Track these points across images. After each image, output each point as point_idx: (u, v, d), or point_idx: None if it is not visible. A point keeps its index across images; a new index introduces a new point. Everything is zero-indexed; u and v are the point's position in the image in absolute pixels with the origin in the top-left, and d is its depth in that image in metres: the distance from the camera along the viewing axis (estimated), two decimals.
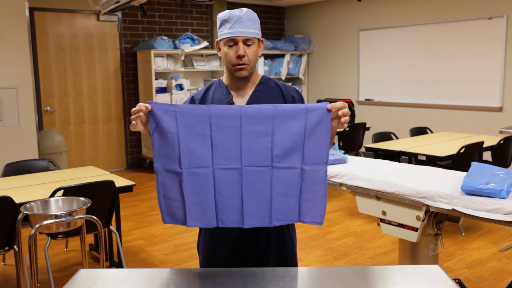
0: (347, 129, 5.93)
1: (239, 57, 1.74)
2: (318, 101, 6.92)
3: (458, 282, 2.82)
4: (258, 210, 1.61)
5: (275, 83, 1.89)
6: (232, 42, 1.75)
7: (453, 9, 6.49)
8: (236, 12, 1.76)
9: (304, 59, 8.39)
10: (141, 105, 1.58)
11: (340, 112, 1.57)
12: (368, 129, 6.32)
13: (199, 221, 1.63)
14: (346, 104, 1.60)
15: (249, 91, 1.84)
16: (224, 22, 1.76)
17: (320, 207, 1.62)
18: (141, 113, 1.57)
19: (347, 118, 1.59)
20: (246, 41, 1.75)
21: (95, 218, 2.43)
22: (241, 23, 1.74)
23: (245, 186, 1.60)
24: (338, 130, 1.66)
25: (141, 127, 1.60)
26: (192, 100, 1.89)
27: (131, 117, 1.59)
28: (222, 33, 1.77)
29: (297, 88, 2.00)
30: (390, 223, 2.78)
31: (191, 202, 1.60)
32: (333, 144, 3.54)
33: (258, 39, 1.81)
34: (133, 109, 1.59)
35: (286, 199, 1.61)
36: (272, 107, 1.59)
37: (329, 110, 1.58)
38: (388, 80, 7.36)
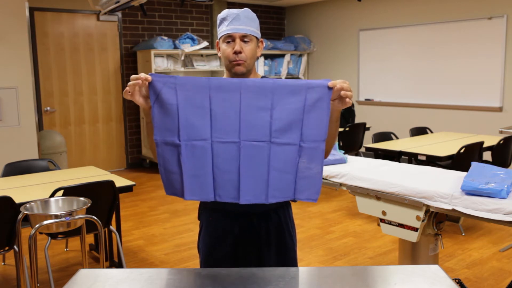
0: (347, 129, 5.94)
1: (236, 53, 1.75)
2: None
3: (458, 282, 2.82)
4: (255, 185, 1.60)
5: None
6: (229, 38, 1.77)
7: (453, 9, 6.49)
8: (234, 10, 1.79)
9: (304, 59, 8.39)
10: (141, 75, 1.56)
11: (342, 93, 1.55)
12: (368, 129, 6.32)
13: (197, 195, 1.62)
14: (348, 82, 1.57)
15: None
16: (222, 20, 1.80)
17: (316, 185, 1.61)
18: (139, 81, 1.54)
19: (349, 93, 1.55)
20: (243, 38, 1.77)
21: (95, 218, 2.43)
22: (239, 20, 1.76)
23: (242, 161, 1.59)
24: (342, 108, 1.62)
25: (139, 98, 1.58)
26: None
27: (128, 83, 1.57)
28: (221, 31, 1.80)
29: None
30: (390, 223, 2.78)
31: (189, 175, 1.60)
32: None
33: (257, 38, 1.82)
34: (133, 76, 1.57)
35: (282, 175, 1.60)
36: (272, 82, 1.58)
37: (330, 88, 1.56)
38: (388, 80, 7.36)
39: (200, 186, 1.61)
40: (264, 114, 1.58)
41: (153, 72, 6.76)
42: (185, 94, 1.57)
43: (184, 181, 1.60)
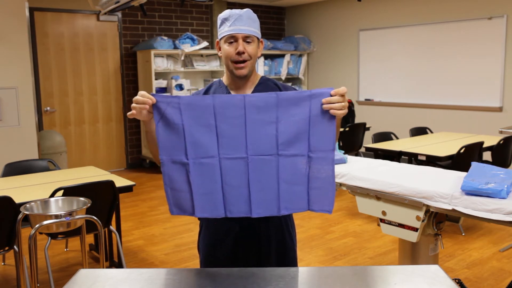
0: (347, 129, 5.94)
1: (239, 53, 1.76)
2: None
3: (458, 282, 2.82)
4: (266, 199, 1.61)
5: (274, 83, 1.90)
6: (232, 39, 1.77)
7: (453, 9, 6.49)
8: (236, 11, 1.79)
9: (304, 59, 8.39)
10: (145, 96, 1.57)
11: (334, 105, 1.54)
12: (368, 129, 6.32)
13: (207, 212, 1.63)
14: (346, 90, 1.56)
15: (249, 91, 1.86)
16: (224, 20, 1.79)
17: (328, 195, 1.61)
18: (146, 106, 1.57)
19: (337, 105, 1.54)
20: (246, 38, 1.78)
21: (95, 218, 2.43)
22: (241, 21, 1.76)
23: (251, 175, 1.59)
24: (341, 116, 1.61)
25: (143, 117, 1.60)
26: None
27: (133, 105, 1.58)
28: (223, 31, 1.80)
29: (296, 88, 2.00)
30: (390, 223, 2.78)
31: (199, 193, 1.61)
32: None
33: (258, 39, 1.82)
34: (138, 98, 1.57)
35: (293, 187, 1.61)
36: (275, 95, 1.59)
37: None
38: (388, 80, 7.36)
39: (210, 203, 1.62)
40: (269, 128, 1.59)
41: (152, 72, 6.76)
42: (190, 113, 1.58)
43: (194, 199, 1.61)
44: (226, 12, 1.80)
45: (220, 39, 1.81)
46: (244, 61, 1.77)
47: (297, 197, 1.62)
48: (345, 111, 1.56)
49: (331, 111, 1.55)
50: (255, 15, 1.83)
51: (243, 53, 1.76)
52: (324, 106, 1.55)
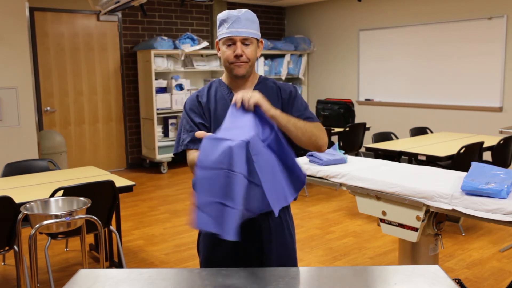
0: (347, 129, 5.94)
1: (237, 56, 1.76)
2: (318, 101, 6.93)
3: (458, 282, 2.82)
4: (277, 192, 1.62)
5: (273, 82, 1.92)
6: (230, 41, 1.78)
7: (453, 9, 6.49)
8: (234, 12, 1.79)
9: (304, 59, 8.39)
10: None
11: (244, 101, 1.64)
12: (368, 129, 6.31)
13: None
14: (246, 94, 1.64)
15: (249, 90, 1.86)
16: (223, 22, 1.79)
17: (294, 160, 1.68)
18: None
19: (241, 98, 1.63)
20: (244, 41, 1.78)
21: (95, 218, 2.43)
22: (239, 23, 1.76)
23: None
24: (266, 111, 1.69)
25: None
26: (197, 99, 1.89)
27: None
28: (221, 33, 1.80)
29: (296, 87, 2.01)
30: (390, 223, 2.78)
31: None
32: (333, 144, 3.54)
33: (257, 40, 1.83)
34: None
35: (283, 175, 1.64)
36: (251, 114, 1.63)
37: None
38: (388, 80, 7.36)
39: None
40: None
41: (152, 72, 6.77)
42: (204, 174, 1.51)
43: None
44: (225, 13, 1.80)
45: (219, 40, 1.82)
46: (242, 62, 1.78)
47: (294, 181, 1.66)
48: (253, 97, 1.63)
49: (250, 102, 1.61)
50: (254, 15, 1.83)
51: (241, 55, 1.77)
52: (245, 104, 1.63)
